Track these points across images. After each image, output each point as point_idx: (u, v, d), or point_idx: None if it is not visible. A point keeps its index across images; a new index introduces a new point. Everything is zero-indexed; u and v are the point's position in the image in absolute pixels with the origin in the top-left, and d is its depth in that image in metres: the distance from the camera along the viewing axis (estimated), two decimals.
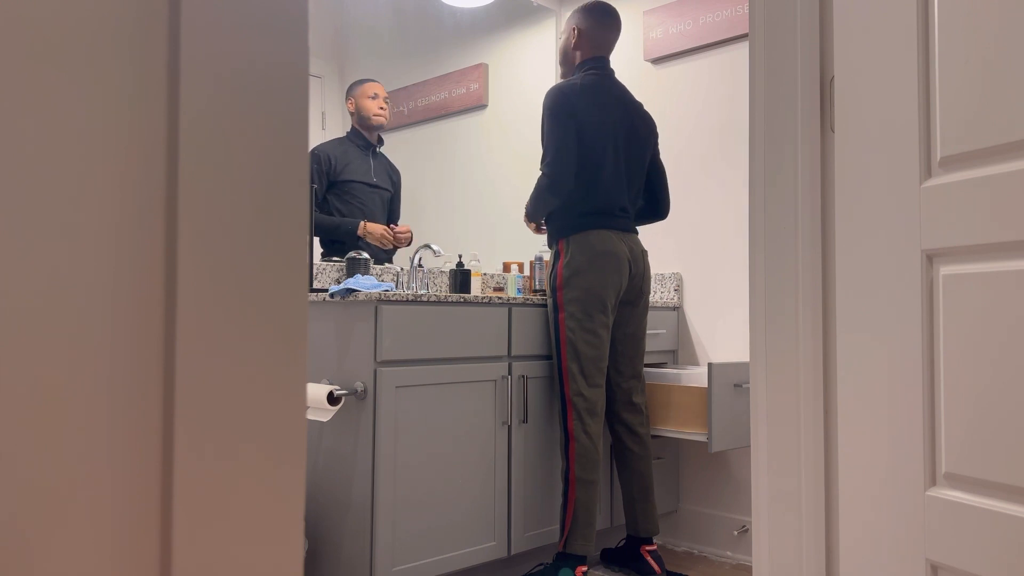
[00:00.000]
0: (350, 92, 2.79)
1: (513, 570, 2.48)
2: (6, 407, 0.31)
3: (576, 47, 2.55)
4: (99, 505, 0.33)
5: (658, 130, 2.76)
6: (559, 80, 3.28)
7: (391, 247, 2.77)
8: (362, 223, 2.71)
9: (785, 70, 1.31)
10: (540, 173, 2.41)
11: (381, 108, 2.78)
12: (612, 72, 2.54)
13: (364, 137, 2.78)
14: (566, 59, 2.58)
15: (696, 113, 2.99)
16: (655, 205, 2.66)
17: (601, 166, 2.42)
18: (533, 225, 2.59)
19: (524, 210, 2.56)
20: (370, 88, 2.78)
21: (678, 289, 3.01)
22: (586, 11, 2.54)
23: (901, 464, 1.07)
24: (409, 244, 2.81)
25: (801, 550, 1.26)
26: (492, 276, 3.05)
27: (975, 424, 0.98)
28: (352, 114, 2.78)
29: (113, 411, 0.34)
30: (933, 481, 1.04)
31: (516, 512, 2.38)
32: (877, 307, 1.11)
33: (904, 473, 1.07)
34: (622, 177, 2.48)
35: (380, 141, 2.83)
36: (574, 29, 2.54)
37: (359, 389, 2.08)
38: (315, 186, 2.67)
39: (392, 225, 2.82)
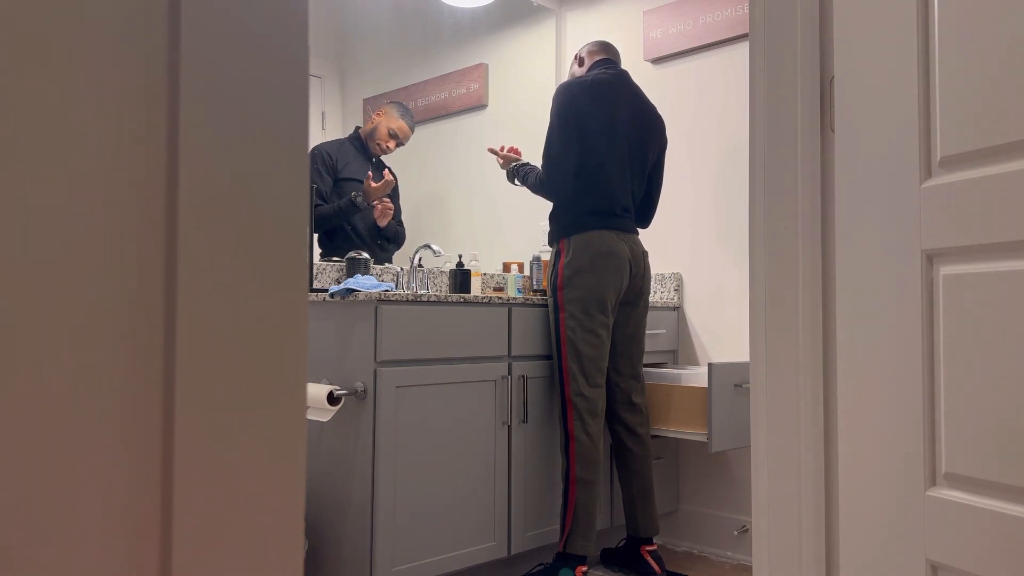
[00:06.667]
0: (380, 105, 2.79)
1: (513, 570, 2.48)
2: (6, 407, 0.31)
3: (582, 64, 2.62)
4: (99, 505, 0.33)
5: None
6: (560, 81, 3.28)
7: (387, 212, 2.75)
8: (365, 187, 2.69)
9: (785, 70, 1.31)
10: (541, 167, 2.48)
11: (389, 147, 2.79)
12: (625, 72, 2.55)
13: (364, 145, 2.79)
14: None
15: (696, 113, 2.99)
16: (643, 211, 2.66)
17: (605, 165, 2.42)
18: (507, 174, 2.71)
19: (520, 174, 2.61)
20: (396, 125, 2.78)
21: (678, 289, 3.01)
22: (583, 47, 2.68)
23: (901, 464, 1.07)
24: (389, 219, 2.80)
25: (801, 550, 1.26)
26: (492, 276, 3.05)
27: (975, 424, 0.98)
28: (372, 126, 2.78)
29: (112, 411, 0.34)
30: (933, 481, 1.04)
31: (516, 512, 2.38)
32: (877, 307, 1.11)
33: (904, 473, 1.07)
34: (626, 177, 2.48)
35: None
36: (576, 56, 2.66)
37: (359, 389, 2.08)
38: (316, 185, 2.67)
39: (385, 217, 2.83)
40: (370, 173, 2.73)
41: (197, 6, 0.36)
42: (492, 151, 2.74)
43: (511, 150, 2.72)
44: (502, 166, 2.72)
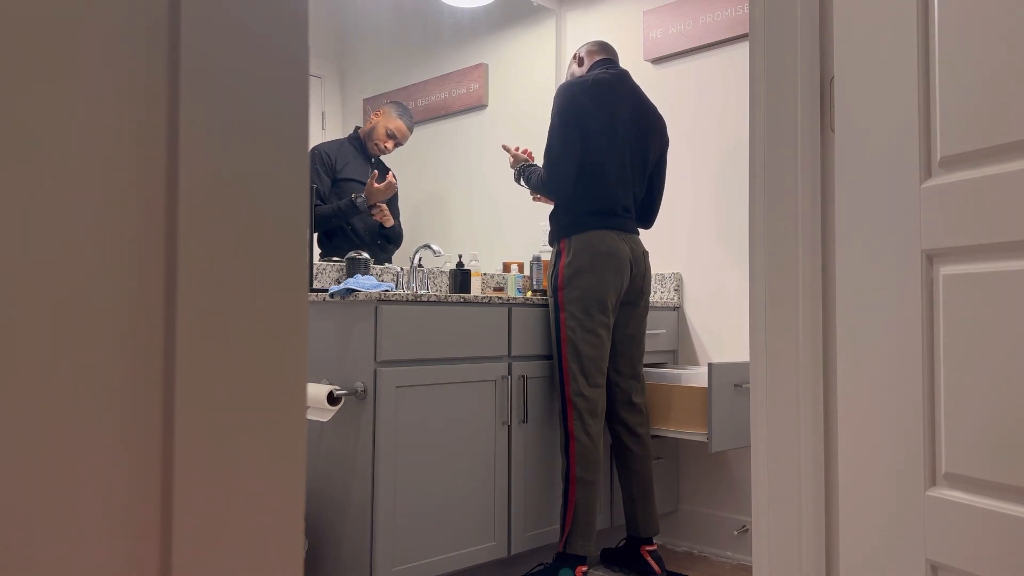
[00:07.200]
0: (379, 105, 2.79)
1: (513, 570, 2.48)
2: (6, 407, 0.31)
3: (581, 64, 2.63)
4: (99, 505, 0.33)
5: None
6: (560, 81, 3.28)
7: (390, 195, 2.76)
8: (367, 187, 2.69)
9: (785, 70, 1.31)
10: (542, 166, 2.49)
11: (387, 147, 2.79)
12: (626, 72, 2.56)
13: (363, 145, 2.79)
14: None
15: (696, 113, 2.99)
16: (645, 212, 2.66)
17: (605, 165, 2.42)
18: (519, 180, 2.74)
19: (525, 174, 2.62)
20: (395, 125, 2.78)
21: (678, 289, 3.01)
22: (581, 46, 2.69)
23: (901, 464, 1.07)
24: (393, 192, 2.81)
25: (801, 550, 1.26)
26: (492, 276, 3.05)
27: (975, 424, 0.98)
28: (371, 126, 2.78)
29: (112, 411, 0.34)
30: (933, 481, 1.04)
31: (516, 512, 2.38)
32: (877, 307, 1.11)
33: (904, 473, 1.07)
34: (627, 177, 2.48)
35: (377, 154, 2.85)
36: (575, 55, 2.66)
37: (359, 389, 2.08)
38: (315, 185, 2.67)
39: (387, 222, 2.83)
40: (375, 173, 2.73)
41: (197, 6, 0.36)
42: (506, 148, 2.74)
43: (524, 152, 2.72)
44: (512, 165, 2.72)
